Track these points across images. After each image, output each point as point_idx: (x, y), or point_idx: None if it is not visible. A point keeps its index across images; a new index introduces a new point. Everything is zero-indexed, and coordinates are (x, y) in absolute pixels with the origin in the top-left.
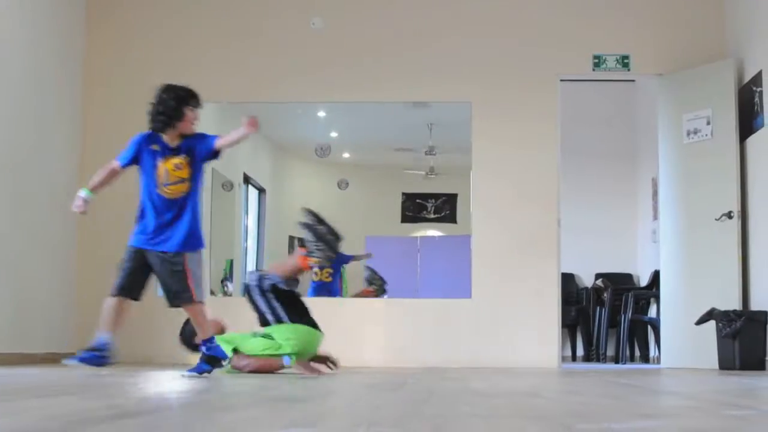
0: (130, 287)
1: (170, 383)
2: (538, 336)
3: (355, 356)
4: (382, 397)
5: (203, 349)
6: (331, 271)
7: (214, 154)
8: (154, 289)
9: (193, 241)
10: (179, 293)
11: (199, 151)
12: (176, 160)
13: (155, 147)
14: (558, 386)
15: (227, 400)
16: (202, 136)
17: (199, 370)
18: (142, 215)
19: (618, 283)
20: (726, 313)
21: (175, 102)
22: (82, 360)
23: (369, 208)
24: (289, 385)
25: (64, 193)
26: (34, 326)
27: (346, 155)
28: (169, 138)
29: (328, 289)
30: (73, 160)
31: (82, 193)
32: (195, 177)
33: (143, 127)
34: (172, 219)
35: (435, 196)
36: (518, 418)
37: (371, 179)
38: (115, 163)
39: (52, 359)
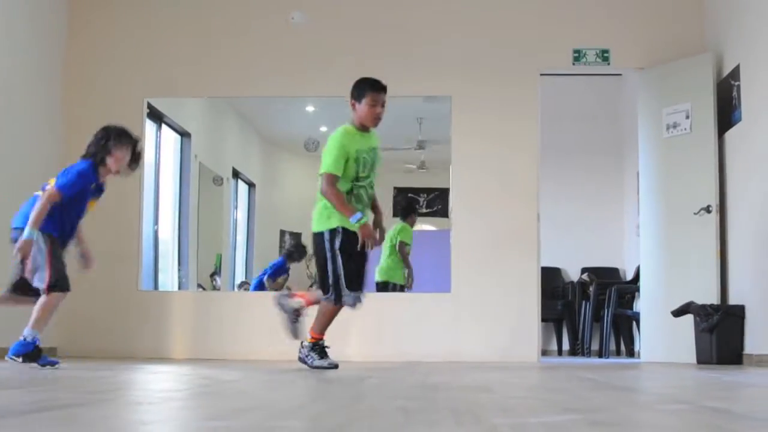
0: None
1: (132, 377)
2: (517, 331)
3: (336, 350)
4: (328, 392)
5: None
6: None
7: None
8: (135, 284)
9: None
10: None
11: None
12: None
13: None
14: (517, 381)
15: (159, 393)
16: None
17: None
18: None
19: (604, 277)
20: (703, 307)
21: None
22: None
23: None
24: (246, 381)
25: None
26: (11, 321)
27: None
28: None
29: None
30: (52, 159)
31: None
32: None
33: (123, 125)
34: None
35: (427, 190)
36: (442, 412)
37: None
38: None
39: None
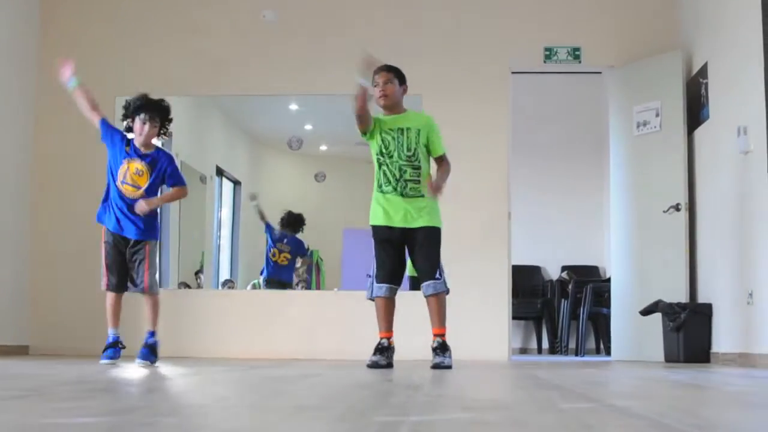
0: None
1: (72, 373)
2: (488, 329)
3: (307, 348)
4: (246, 389)
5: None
6: (288, 256)
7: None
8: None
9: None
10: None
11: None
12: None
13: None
14: (459, 380)
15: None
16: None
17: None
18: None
19: (584, 275)
20: (671, 305)
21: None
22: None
23: (347, 200)
24: (174, 379)
25: (15, 186)
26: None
27: (323, 147)
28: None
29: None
30: (24, 155)
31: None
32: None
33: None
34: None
35: None
36: (335, 409)
37: (349, 171)
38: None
39: (5, 351)
